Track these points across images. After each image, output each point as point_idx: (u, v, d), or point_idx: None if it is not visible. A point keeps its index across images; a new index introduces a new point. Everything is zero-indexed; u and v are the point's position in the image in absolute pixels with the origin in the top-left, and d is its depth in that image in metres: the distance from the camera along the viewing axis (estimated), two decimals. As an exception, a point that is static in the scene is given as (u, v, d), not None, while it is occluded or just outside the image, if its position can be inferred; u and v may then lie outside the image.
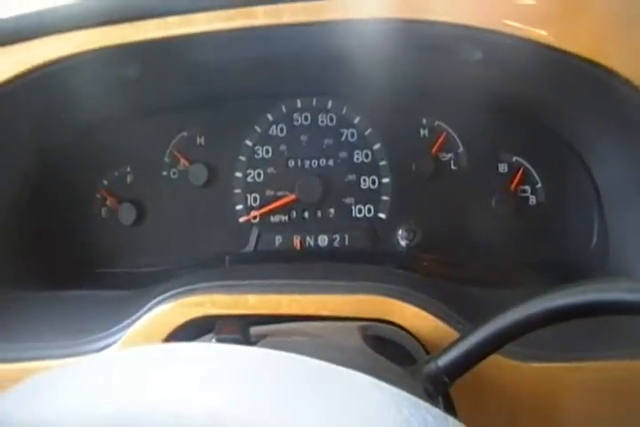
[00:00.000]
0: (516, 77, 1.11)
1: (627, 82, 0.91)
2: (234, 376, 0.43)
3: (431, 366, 0.76)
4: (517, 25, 0.92)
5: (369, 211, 1.35)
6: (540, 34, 0.91)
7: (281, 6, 0.97)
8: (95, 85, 1.16)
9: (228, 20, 0.98)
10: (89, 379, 0.46)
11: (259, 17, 0.97)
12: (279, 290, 0.95)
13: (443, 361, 0.76)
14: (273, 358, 0.48)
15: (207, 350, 0.49)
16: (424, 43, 1.04)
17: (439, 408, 0.78)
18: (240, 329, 0.77)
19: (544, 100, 1.20)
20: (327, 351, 0.75)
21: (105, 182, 1.40)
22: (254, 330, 0.82)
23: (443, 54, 1.07)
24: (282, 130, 1.37)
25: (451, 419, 0.42)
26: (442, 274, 1.21)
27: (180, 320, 0.94)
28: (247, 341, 0.76)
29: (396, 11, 0.96)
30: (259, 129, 1.37)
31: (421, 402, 0.43)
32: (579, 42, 0.91)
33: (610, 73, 0.91)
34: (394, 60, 1.13)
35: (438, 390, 0.77)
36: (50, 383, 0.47)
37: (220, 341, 0.76)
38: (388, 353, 0.81)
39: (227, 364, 0.46)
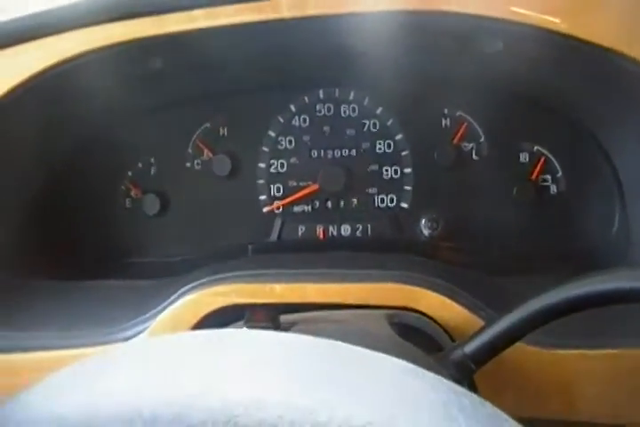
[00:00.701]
0: (537, 67, 1.11)
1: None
2: (278, 362, 0.44)
3: (458, 353, 0.77)
4: (533, 14, 0.92)
5: (391, 200, 1.35)
6: (557, 23, 0.92)
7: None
8: (119, 78, 1.17)
9: (251, 12, 0.99)
10: (131, 365, 0.47)
11: (283, 9, 0.98)
12: (305, 279, 0.96)
13: (469, 348, 0.77)
14: (315, 345, 0.48)
15: (251, 335, 0.50)
16: (445, 33, 1.04)
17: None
18: (270, 317, 0.78)
19: (564, 89, 1.20)
20: (356, 338, 0.76)
21: (129, 173, 1.42)
22: (283, 318, 0.83)
23: (463, 45, 1.08)
24: (305, 120, 1.38)
25: (487, 404, 0.43)
26: (464, 262, 1.21)
27: (207, 309, 0.96)
28: (277, 328, 0.78)
29: (417, 2, 0.97)
30: (282, 120, 1.38)
31: (458, 387, 0.44)
32: (596, 30, 0.91)
33: (629, 60, 0.91)
34: (415, 50, 1.13)
35: (464, 377, 0.78)
36: (90, 371, 0.48)
37: (250, 328, 0.77)
38: (415, 341, 0.83)
39: (271, 350, 0.47)
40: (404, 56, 1.16)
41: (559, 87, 1.20)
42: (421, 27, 1.02)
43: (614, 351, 0.90)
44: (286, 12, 0.98)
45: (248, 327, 0.77)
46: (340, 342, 0.49)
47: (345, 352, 0.48)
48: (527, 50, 1.03)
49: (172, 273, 1.17)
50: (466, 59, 1.16)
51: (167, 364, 0.46)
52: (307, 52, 1.19)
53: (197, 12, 1.00)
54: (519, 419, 0.45)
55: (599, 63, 0.97)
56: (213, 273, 1.00)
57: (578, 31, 0.91)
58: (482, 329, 0.78)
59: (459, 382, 0.77)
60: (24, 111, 1.13)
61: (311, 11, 0.98)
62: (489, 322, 0.78)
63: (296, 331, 0.80)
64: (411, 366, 0.46)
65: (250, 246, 1.33)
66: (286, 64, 1.25)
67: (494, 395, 0.89)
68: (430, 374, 0.45)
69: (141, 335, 0.99)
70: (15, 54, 1.05)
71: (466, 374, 0.78)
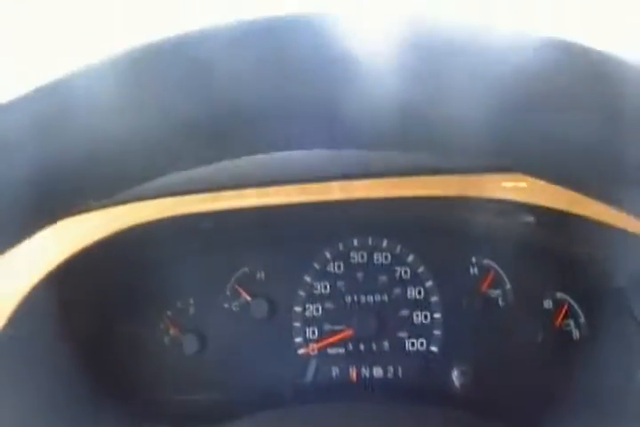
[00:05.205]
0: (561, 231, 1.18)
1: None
2: None
3: None
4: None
5: (421, 344, 1.40)
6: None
7: (354, 183, 1.06)
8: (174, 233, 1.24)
9: (302, 194, 1.06)
10: None
11: (334, 191, 1.05)
12: None
13: None
14: None
15: None
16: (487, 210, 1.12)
17: None
18: None
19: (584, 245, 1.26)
20: None
21: (168, 313, 1.47)
22: None
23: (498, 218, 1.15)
24: (339, 267, 1.43)
25: None
26: (495, 414, 1.24)
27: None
28: None
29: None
30: (317, 266, 1.43)
31: None
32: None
33: None
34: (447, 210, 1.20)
35: None
36: None
37: None
38: None
39: None
40: (435, 213, 1.22)
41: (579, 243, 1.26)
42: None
43: None
44: (337, 195, 1.05)
45: None
46: None
47: None
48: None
49: (207, 413, 1.21)
50: (499, 223, 1.23)
51: None
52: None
53: (249, 191, 1.07)
54: None
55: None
56: None
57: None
58: None
59: None
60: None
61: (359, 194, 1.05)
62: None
63: None
64: None
65: (286, 390, 1.37)
66: (324, 216, 1.32)
67: None
68: None
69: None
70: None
71: None
